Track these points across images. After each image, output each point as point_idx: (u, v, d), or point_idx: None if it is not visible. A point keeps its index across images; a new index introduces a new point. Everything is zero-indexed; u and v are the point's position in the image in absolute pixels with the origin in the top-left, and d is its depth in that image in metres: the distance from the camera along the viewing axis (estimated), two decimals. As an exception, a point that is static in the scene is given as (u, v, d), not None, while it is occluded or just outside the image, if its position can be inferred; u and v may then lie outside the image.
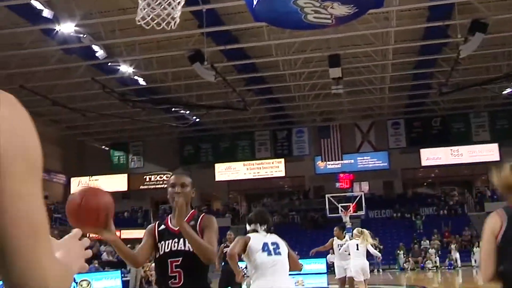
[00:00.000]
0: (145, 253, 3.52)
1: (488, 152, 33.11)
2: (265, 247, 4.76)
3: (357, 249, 11.03)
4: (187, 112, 29.86)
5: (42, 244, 0.96)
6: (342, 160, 34.29)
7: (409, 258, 27.36)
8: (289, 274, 5.03)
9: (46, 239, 0.97)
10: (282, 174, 35.40)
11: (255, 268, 4.74)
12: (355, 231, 11.64)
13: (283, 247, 4.86)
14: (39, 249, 0.95)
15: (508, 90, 27.47)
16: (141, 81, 24.53)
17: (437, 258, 26.97)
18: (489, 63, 25.42)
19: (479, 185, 35.90)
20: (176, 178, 3.57)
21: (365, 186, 35.52)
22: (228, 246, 10.65)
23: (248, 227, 5.04)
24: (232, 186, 37.55)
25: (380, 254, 13.12)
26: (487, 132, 33.38)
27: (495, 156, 33.00)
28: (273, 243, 4.82)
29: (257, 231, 4.91)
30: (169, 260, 3.37)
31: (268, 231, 4.97)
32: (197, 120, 31.03)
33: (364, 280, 11.11)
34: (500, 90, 27.46)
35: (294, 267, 5.02)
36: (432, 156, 34.05)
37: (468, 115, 33.60)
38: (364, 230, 11.51)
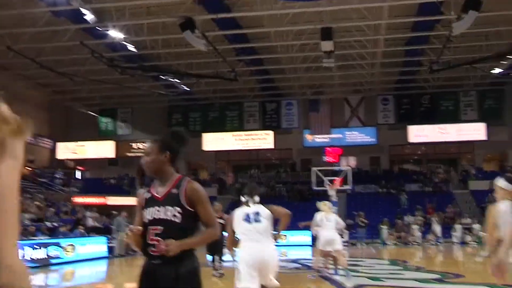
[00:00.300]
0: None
1: (475, 131, 33.40)
2: (246, 217, 5.60)
3: (328, 220, 11.66)
4: (177, 80, 29.64)
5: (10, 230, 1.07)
6: (330, 134, 34.42)
7: (393, 233, 27.71)
8: (277, 245, 5.89)
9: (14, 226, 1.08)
10: (271, 146, 35.49)
11: (241, 235, 5.63)
12: (321, 203, 12.25)
13: (264, 214, 5.62)
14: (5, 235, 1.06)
15: (498, 69, 27.58)
16: (131, 47, 24.21)
17: (420, 233, 27.32)
18: (481, 42, 25.40)
19: (465, 163, 36.25)
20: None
21: (353, 161, 35.68)
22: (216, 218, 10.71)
23: (242, 198, 5.81)
24: (219, 156, 37.58)
25: (344, 224, 13.56)
26: (475, 111, 33.61)
27: (482, 135, 33.31)
28: (254, 213, 5.62)
29: (247, 202, 5.72)
30: (149, 227, 3.32)
31: (257, 202, 5.74)
32: (187, 89, 30.85)
33: (337, 251, 11.57)
34: (489, 70, 27.54)
35: (284, 220, 5.83)
36: (420, 133, 34.27)
37: (457, 94, 33.76)
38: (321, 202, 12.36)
